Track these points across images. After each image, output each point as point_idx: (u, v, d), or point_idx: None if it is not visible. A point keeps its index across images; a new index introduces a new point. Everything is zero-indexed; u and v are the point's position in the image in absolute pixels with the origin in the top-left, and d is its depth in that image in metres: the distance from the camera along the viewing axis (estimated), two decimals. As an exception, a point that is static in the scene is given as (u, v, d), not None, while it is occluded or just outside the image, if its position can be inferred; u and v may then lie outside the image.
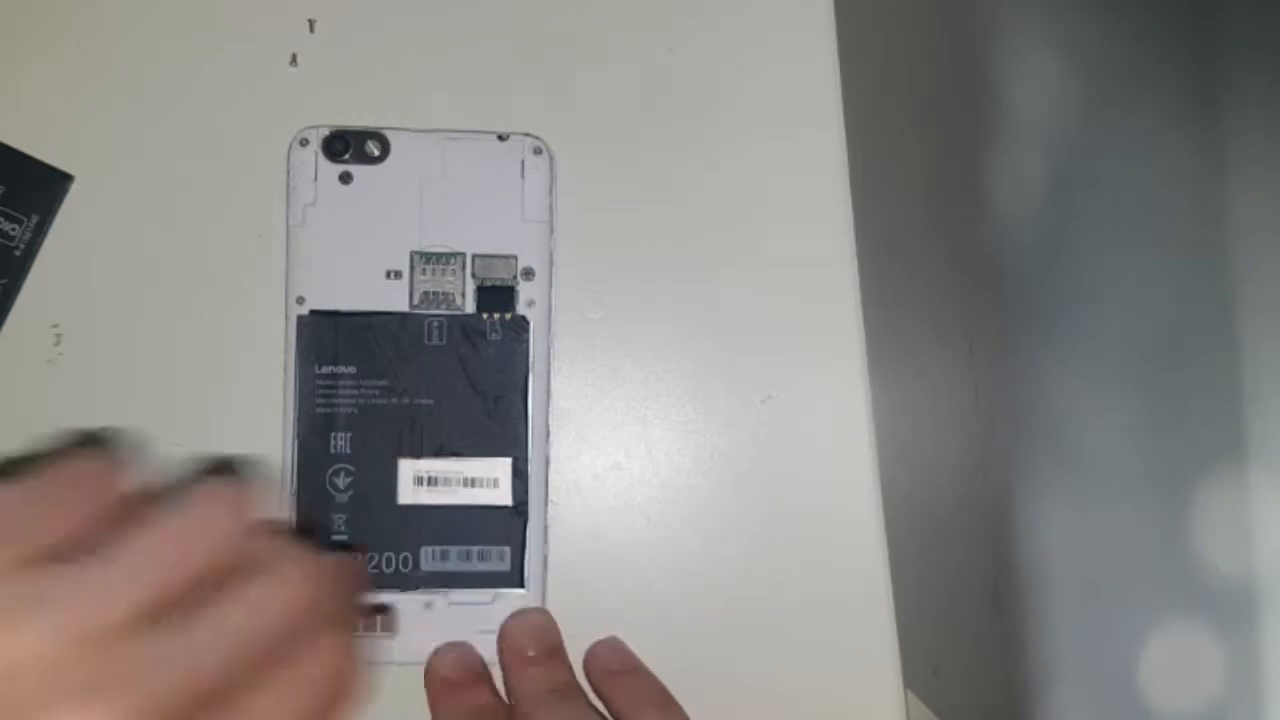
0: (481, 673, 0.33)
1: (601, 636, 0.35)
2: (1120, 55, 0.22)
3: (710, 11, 0.36)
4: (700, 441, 0.36)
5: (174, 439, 0.34)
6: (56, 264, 0.34)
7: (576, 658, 0.34)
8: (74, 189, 0.34)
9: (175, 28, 0.35)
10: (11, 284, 0.33)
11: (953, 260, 0.29)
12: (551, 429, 0.35)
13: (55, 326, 0.34)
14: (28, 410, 0.34)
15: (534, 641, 0.33)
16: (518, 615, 0.34)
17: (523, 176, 0.34)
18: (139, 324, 0.34)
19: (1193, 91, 0.20)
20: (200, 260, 0.35)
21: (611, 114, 0.36)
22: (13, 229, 0.33)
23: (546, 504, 0.34)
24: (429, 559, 0.34)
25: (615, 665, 0.34)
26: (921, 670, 0.34)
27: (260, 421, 0.34)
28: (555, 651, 0.33)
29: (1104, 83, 0.22)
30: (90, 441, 0.31)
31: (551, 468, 0.35)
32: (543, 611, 0.34)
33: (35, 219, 0.33)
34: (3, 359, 0.34)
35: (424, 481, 0.33)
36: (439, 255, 0.34)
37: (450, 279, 0.34)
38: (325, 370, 0.33)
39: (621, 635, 0.35)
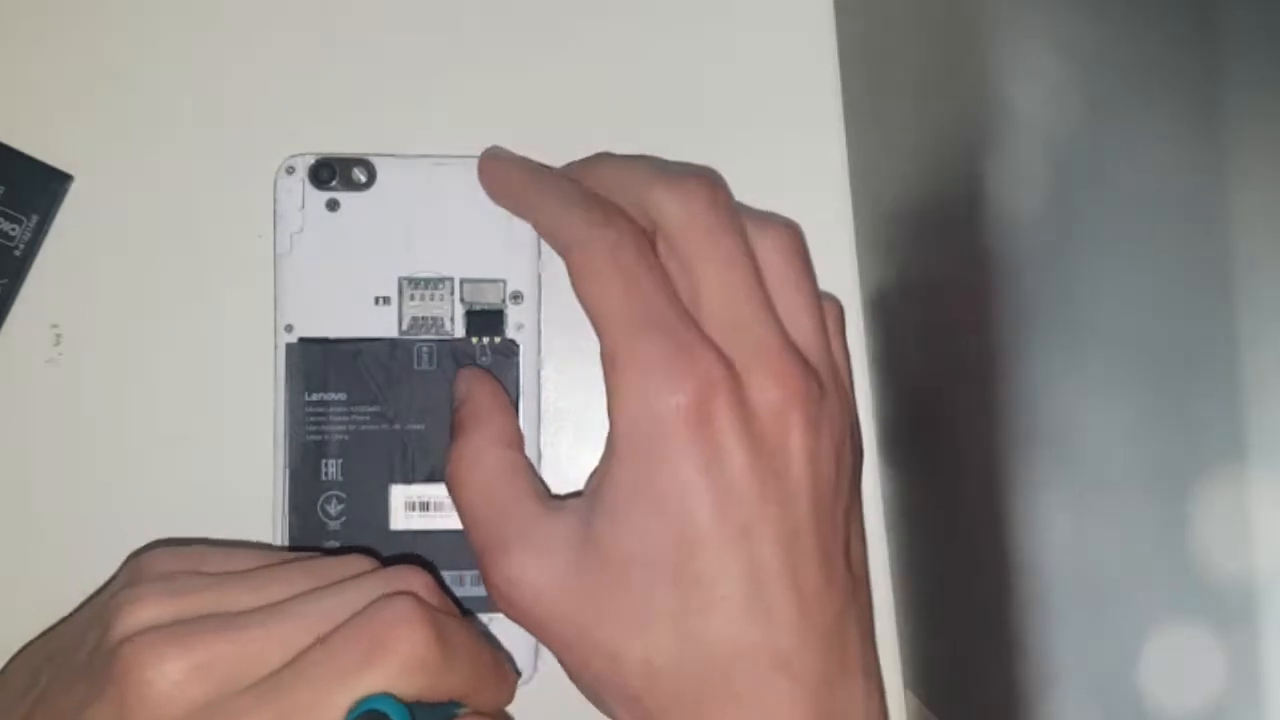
0: None
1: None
2: (1121, 55, 0.22)
3: (709, 10, 0.36)
4: (700, 441, 0.36)
5: (170, 438, 0.34)
6: (56, 264, 0.34)
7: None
8: (74, 189, 0.34)
9: (175, 27, 0.35)
10: (11, 284, 0.33)
11: (953, 260, 0.29)
12: (551, 428, 0.35)
13: (55, 326, 0.34)
14: (28, 410, 0.34)
15: None
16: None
17: None
18: (139, 325, 0.34)
19: (1193, 91, 0.20)
20: (199, 261, 0.35)
21: (611, 114, 0.36)
22: (13, 229, 0.33)
23: None
24: None
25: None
26: (921, 670, 0.34)
27: (250, 450, 0.33)
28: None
29: (1104, 82, 0.22)
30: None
31: (551, 467, 0.35)
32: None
33: (35, 219, 0.33)
34: (3, 359, 0.34)
35: (416, 507, 0.33)
36: (427, 280, 0.34)
37: (439, 304, 0.34)
38: (315, 398, 0.33)
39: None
